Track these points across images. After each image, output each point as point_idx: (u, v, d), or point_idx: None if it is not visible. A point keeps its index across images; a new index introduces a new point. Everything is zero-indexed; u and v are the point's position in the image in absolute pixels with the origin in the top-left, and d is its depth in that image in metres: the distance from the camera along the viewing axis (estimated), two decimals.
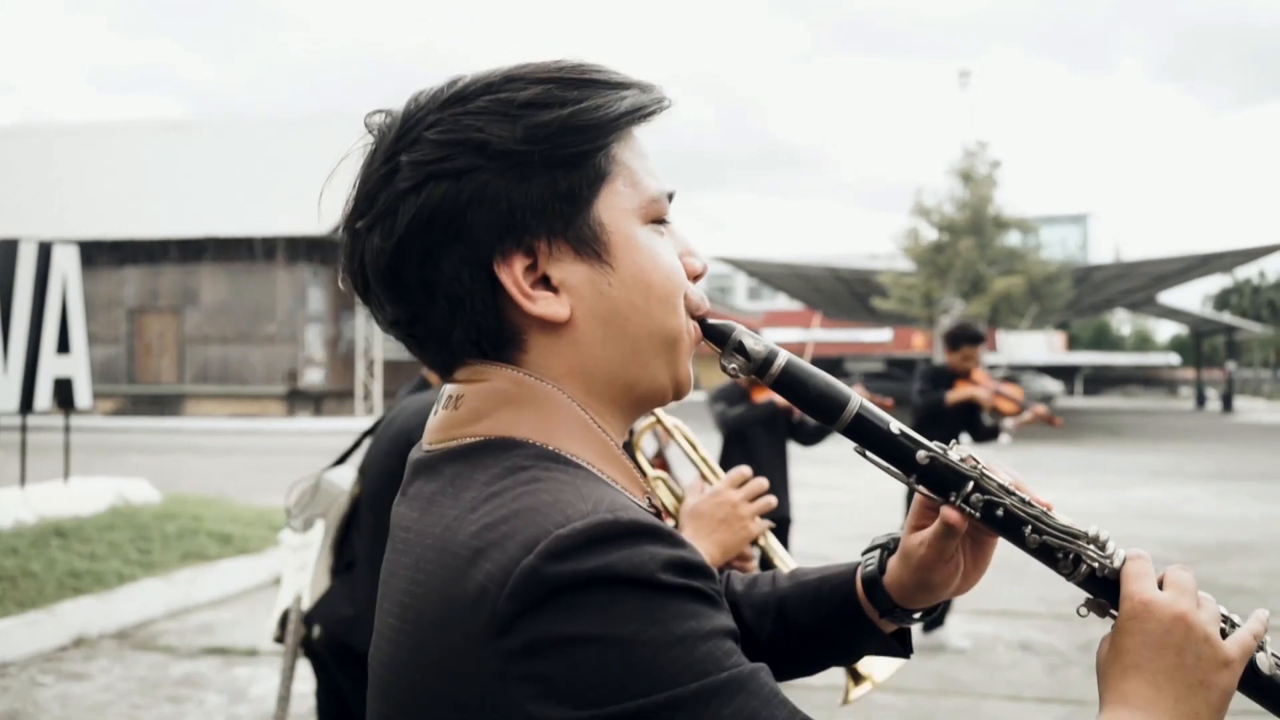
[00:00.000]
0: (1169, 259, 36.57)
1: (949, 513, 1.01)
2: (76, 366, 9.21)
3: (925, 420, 7.17)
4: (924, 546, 1.06)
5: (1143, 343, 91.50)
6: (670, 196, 0.99)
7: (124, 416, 30.37)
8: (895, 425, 1.01)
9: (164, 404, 31.65)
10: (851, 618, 1.15)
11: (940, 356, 30.73)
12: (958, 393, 6.93)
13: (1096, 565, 0.98)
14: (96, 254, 29.20)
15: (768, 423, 6.14)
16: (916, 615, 1.15)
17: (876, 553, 1.15)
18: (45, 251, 8.94)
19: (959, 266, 30.33)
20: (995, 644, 6.91)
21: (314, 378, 31.50)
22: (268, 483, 14.43)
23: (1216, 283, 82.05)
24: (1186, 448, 25.12)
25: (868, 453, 1.02)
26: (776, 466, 6.13)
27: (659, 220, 0.97)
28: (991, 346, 47.76)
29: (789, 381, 1.00)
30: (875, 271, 35.42)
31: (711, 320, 1.01)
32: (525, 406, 0.92)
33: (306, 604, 3.47)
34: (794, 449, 6.47)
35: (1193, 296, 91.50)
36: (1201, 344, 59.21)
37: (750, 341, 1.00)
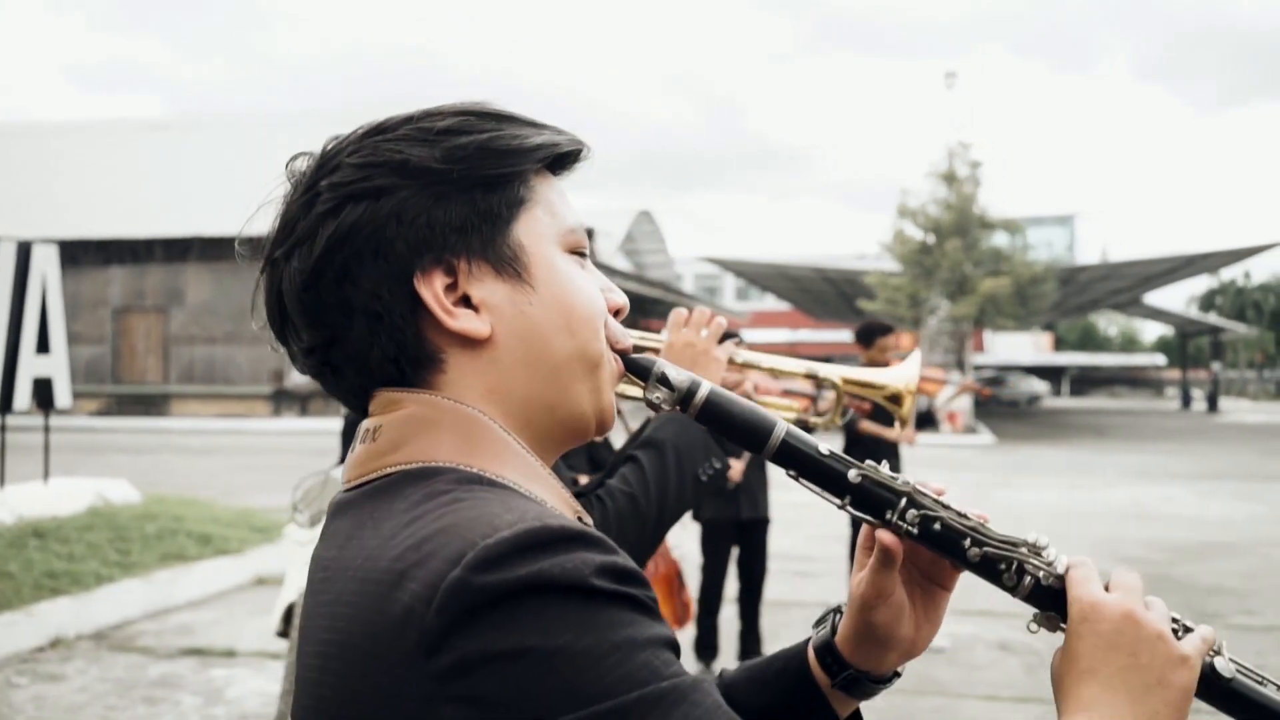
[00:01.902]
0: (1155, 260, 36.72)
1: (884, 535, 0.98)
2: (56, 366, 9.17)
3: (853, 436, 6.89)
4: (864, 584, 1.03)
5: (1129, 343, 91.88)
6: (590, 234, 1.02)
7: (109, 416, 30.26)
8: (824, 448, 1.00)
9: (149, 404, 31.54)
10: (803, 693, 1.09)
11: (927, 356, 30.81)
12: (866, 425, 6.78)
13: (1041, 574, 0.96)
14: (81, 253, 29.08)
15: None
16: (871, 685, 1.09)
17: (830, 617, 1.11)
18: (25, 251, 8.90)
19: (945, 268, 30.40)
20: (974, 644, 6.93)
21: (300, 378, 31.38)
22: (251, 483, 14.40)
23: (1202, 283, 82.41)
24: (1171, 448, 25.23)
25: (801, 479, 1.01)
26: (754, 467, 6.15)
27: (579, 253, 0.99)
28: (979, 347, 47.89)
29: (713, 411, 1.01)
30: (862, 272, 35.48)
31: (633, 355, 1.02)
32: (445, 430, 0.90)
33: None
34: None
35: (1178, 297, 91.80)
36: (1187, 345, 59.52)
37: (673, 373, 1.01)
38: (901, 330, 29.56)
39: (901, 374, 1.98)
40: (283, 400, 31.06)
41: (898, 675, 1.10)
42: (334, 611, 0.82)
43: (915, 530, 0.97)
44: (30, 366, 8.87)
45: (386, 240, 0.89)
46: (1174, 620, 0.94)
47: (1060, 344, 78.64)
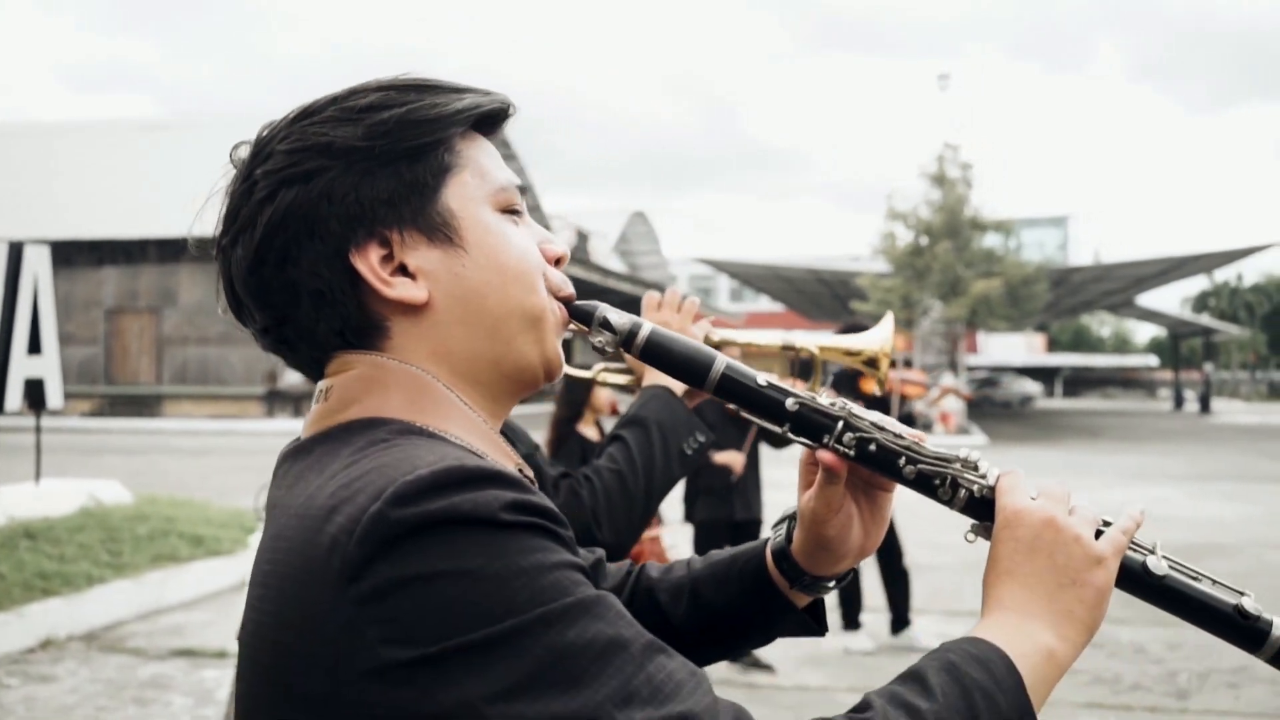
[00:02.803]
0: (1147, 261, 36.80)
1: (824, 455, 1.03)
2: (48, 367, 9.15)
3: None
4: (813, 500, 1.08)
5: (1121, 344, 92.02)
6: (522, 190, 1.03)
7: (101, 417, 30.18)
8: (762, 378, 1.04)
9: (142, 405, 31.47)
10: (763, 593, 1.16)
11: (920, 357, 30.83)
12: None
13: (975, 487, 1.01)
14: (74, 254, 29.03)
15: (738, 423, 6.15)
16: (829, 584, 1.16)
17: (785, 523, 1.17)
18: (16, 251, 8.89)
19: (937, 269, 30.41)
20: None
21: (293, 378, 31.37)
22: (244, 484, 14.36)
23: (1195, 285, 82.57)
24: (1164, 449, 25.28)
25: (743, 412, 1.05)
26: (747, 467, 6.15)
27: (511, 210, 1.02)
28: (972, 348, 47.96)
29: (655, 349, 1.05)
30: (856, 273, 35.50)
31: (576, 301, 1.06)
32: (391, 389, 0.95)
33: None
34: (766, 451, 6.48)
35: (1171, 298, 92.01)
36: (1180, 346, 59.64)
37: (615, 316, 1.05)
38: (895, 332, 29.50)
39: (876, 337, 2.02)
40: (276, 401, 31.01)
41: (853, 571, 1.17)
42: (275, 545, 0.88)
43: (852, 452, 1.03)
44: (22, 367, 8.85)
45: (320, 220, 0.93)
46: (1104, 523, 1.00)
47: (1053, 345, 78.78)
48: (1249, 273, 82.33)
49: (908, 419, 7.21)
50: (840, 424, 1.02)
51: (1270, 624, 0.99)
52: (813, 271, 39.58)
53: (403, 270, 0.95)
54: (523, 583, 0.79)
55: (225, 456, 19.82)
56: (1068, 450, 24.72)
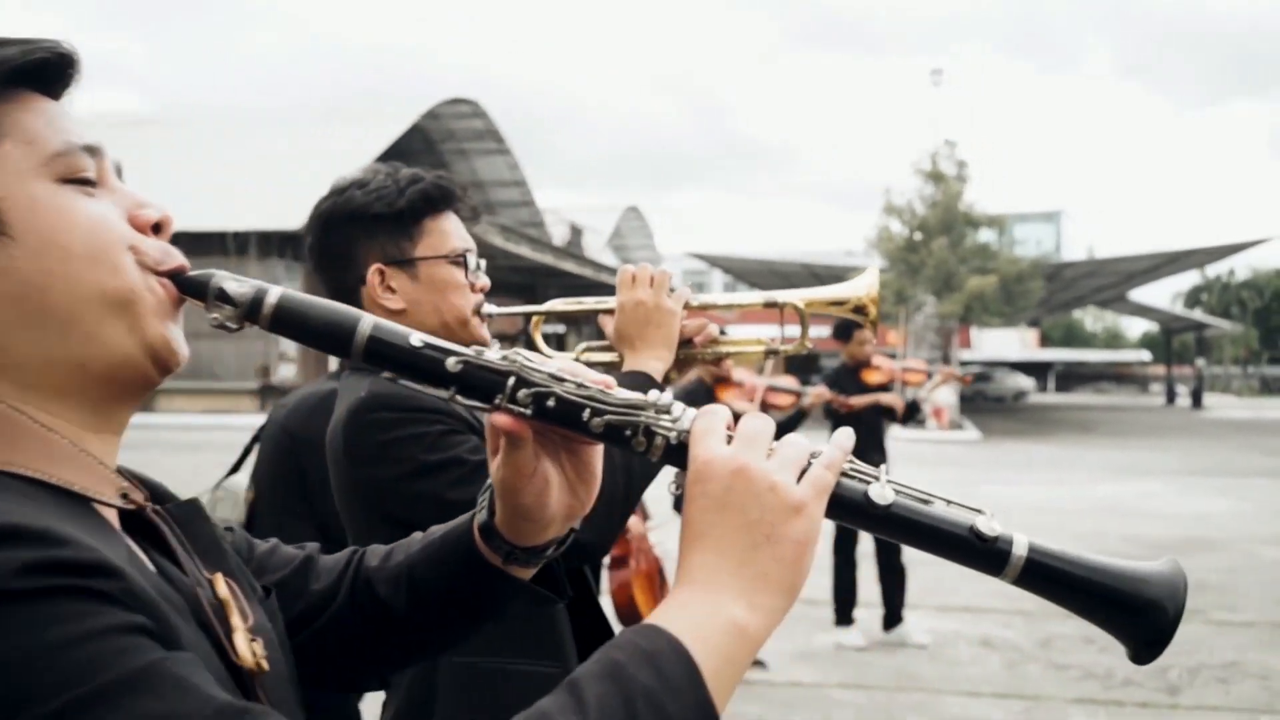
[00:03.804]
0: (1140, 256, 36.92)
1: (496, 418, 0.90)
2: None
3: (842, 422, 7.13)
4: (499, 469, 0.96)
5: (1112, 340, 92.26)
6: (93, 151, 0.87)
7: None
8: (417, 337, 0.91)
9: None
10: (478, 572, 1.04)
11: (914, 352, 30.89)
12: (861, 399, 7.00)
13: (672, 434, 0.89)
14: None
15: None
16: (543, 555, 1.04)
17: (488, 495, 1.04)
18: None
19: (931, 265, 30.47)
20: (956, 640, 6.95)
21: (287, 373, 31.36)
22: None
23: (1187, 280, 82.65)
24: (1155, 444, 25.33)
25: (401, 380, 0.92)
26: None
27: (78, 180, 0.85)
28: (965, 344, 48.03)
29: (287, 319, 0.91)
30: (850, 269, 35.49)
31: (187, 273, 0.91)
32: None
33: None
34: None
35: (1163, 294, 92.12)
36: (1172, 341, 59.81)
37: (233, 286, 0.91)
38: (889, 327, 29.72)
39: (861, 284, 2.00)
40: (269, 395, 30.94)
41: (573, 531, 1.05)
42: None
43: (530, 410, 0.90)
44: None
45: None
46: (813, 458, 0.88)
47: (1045, 340, 78.97)
48: (1240, 268, 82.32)
49: (912, 406, 7.26)
50: (512, 380, 0.90)
51: (1010, 542, 0.89)
52: (806, 266, 39.60)
53: None
54: (44, 664, 0.64)
55: (219, 451, 19.72)
56: (1060, 445, 24.77)
